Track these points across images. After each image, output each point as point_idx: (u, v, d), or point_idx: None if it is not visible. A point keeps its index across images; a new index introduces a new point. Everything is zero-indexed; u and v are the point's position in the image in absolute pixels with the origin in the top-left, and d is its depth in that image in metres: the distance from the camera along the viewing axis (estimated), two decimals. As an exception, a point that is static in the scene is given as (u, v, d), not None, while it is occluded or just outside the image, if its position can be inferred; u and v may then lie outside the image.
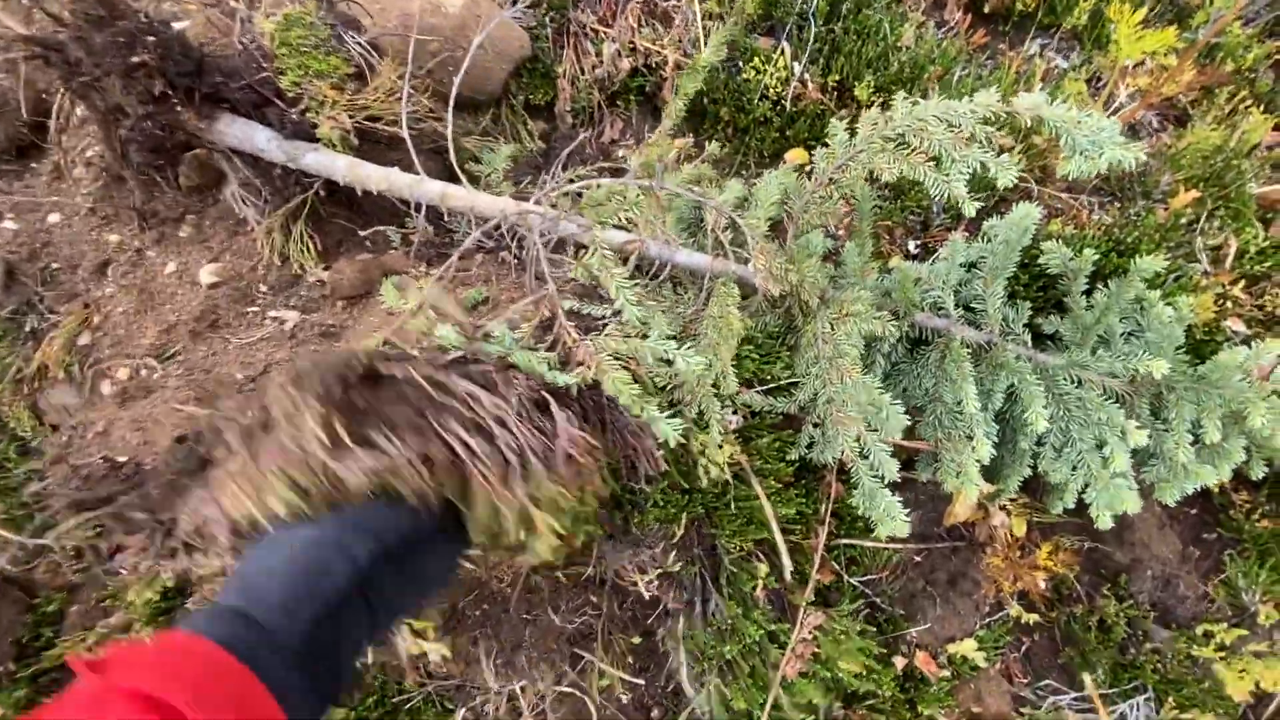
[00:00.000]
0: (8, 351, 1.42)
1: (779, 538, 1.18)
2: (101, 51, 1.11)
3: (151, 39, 1.13)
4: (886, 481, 1.16)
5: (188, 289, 1.50)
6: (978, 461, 1.21)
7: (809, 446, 1.35)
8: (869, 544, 1.47)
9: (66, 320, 1.45)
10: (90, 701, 0.48)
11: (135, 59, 1.12)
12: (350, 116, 1.39)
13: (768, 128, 1.93)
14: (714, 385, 1.14)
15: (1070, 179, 1.27)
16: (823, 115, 1.91)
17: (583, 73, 2.03)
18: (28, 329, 1.45)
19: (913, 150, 1.09)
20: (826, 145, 1.31)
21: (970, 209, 1.01)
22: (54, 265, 1.54)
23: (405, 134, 1.37)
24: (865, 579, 1.54)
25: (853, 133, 1.26)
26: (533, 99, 2.03)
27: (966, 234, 1.71)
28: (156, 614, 1.29)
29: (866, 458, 1.16)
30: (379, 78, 1.41)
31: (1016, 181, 1.04)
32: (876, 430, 1.14)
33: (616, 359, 0.95)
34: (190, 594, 1.25)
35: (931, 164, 1.07)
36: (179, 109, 1.24)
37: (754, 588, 1.28)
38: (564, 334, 1.01)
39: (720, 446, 1.11)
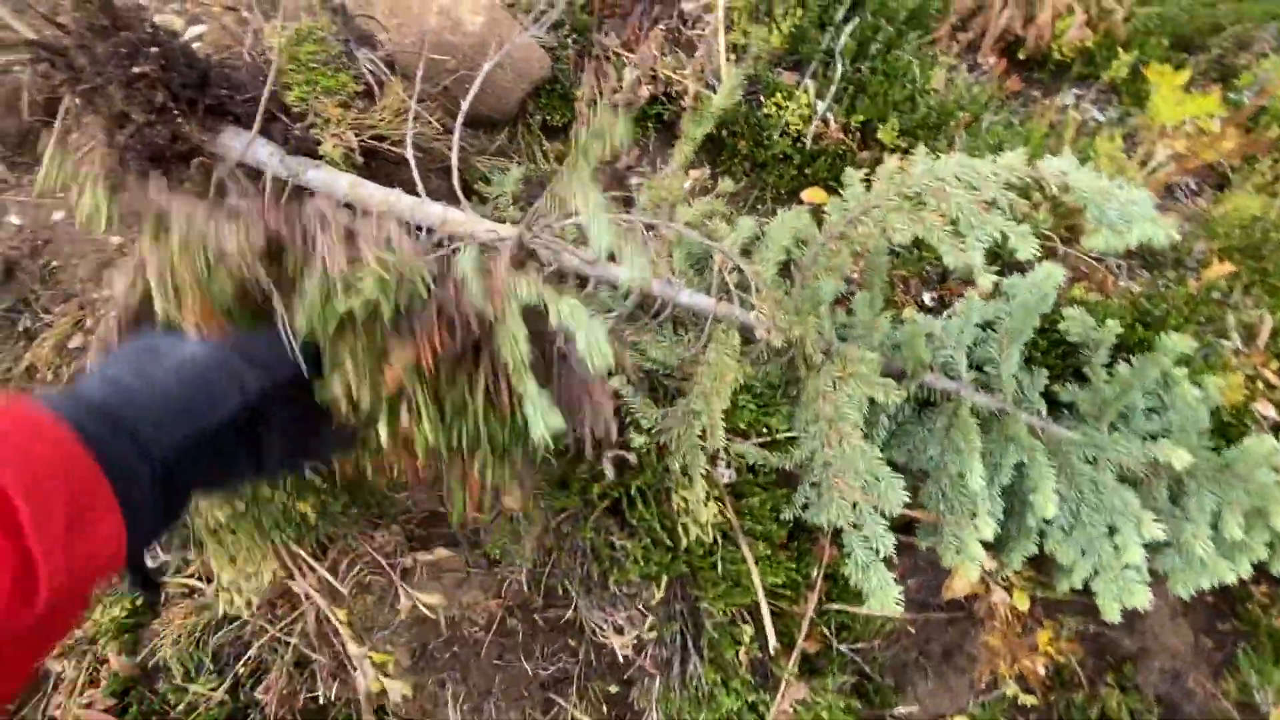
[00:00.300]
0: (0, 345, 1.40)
1: (765, 609, 1.12)
2: (103, 60, 1.09)
3: (154, 50, 1.11)
4: (881, 555, 1.10)
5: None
6: (980, 540, 1.15)
7: (804, 507, 1.30)
8: (861, 611, 1.40)
9: (60, 321, 1.44)
10: None
11: (137, 69, 1.10)
12: (356, 135, 1.37)
13: (786, 164, 1.88)
14: (700, 436, 1.09)
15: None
16: (844, 156, 1.85)
17: (602, 96, 2.00)
18: (21, 328, 1.44)
19: (931, 211, 1.04)
20: (839, 195, 1.26)
21: (987, 281, 0.96)
22: (54, 264, 1.52)
23: (410, 155, 1.34)
24: (856, 646, 1.47)
25: (869, 184, 1.21)
26: (550, 120, 2.00)
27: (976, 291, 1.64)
28: (122, 630, 1.26)
29: (860, 528, 1.10)
30: (388, 96, 1.38)
31: (1039, 250, 0.99)
32: (874, 501, 1.08)
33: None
34: (159, 614, 1.22)
35: (949, 228, 1.01)
36: (180, 120, 1.22)
37: (736, 654, 1.22)
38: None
39: (705, 504, 1.06)
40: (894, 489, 1.03)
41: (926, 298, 1.69)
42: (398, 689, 1.24)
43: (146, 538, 0.53)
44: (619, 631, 1.13)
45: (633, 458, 1.13)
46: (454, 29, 1.73)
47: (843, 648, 1.46)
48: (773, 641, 1.11)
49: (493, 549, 1.16)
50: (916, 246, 1.73)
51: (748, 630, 1.27)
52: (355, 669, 1.21)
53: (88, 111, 1.26)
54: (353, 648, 1.21)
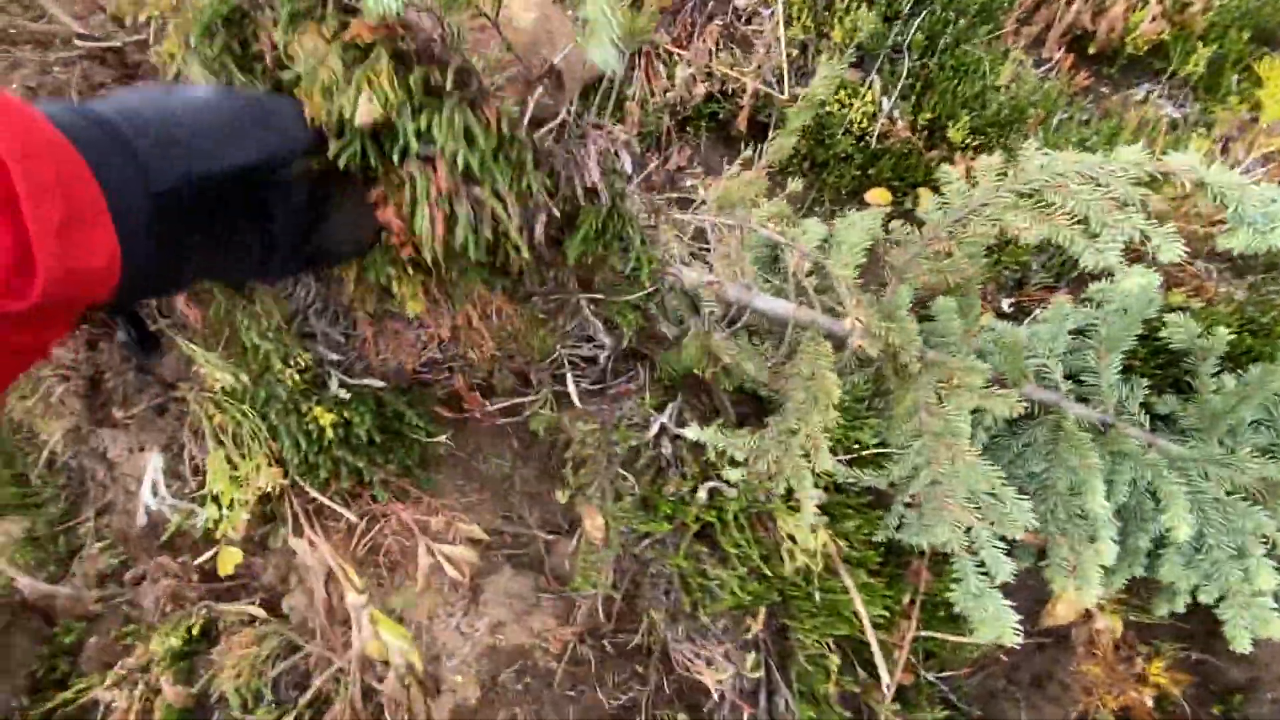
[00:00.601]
0: (40, 366, 1.34)
1: (875, 644, 1.04)
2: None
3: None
4: (998, 582, 1.01)
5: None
6: (1101, 566, 1.06)
7: (898, 528, 1.21)
8: (952, 638, 1.31)
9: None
10: None
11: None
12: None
13: (848, 164, 1.80)
14: (803, 457, 1.01)
15: (1215, 251, 1.12)
16: (909, 155, 1.78)
17: (652, 95, 1.93)
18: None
19: (1055, 210, 0.96)
20: (938, 192, 1.18)
21: (1133, 282, 0.88)
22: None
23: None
24: (942, 675, 1.38)
25: (972, 182, 1.13)
26: (599, 120, 1.93)
27: (1069, 296, 1.56)
28: (177, 658, 1.18)
29: (975, 553, 1.02)
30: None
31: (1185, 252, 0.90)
32: (992, 523, 0.99)
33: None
34: (216, 640, 1.15)
35: (1078, 228, 0.93)
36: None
37: (829, 687, 1.14)
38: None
39: (814, 530, 0.97)
40: (1021, 511, 0.95)
41: (1005, 304, 1.61)
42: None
43: (140, 278, 0.49)
44: (710, 665, 1.05)
45: (726, 488, 1.05)
46: (505, 26, 1.67)
47: (930, 676, 1.38)
48: (888, 680, 1.03)
49: (583, 584, 1.08)
50: (994, 248, 1.64)
51: (834, 660, 1.19)
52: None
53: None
54: (351, 597, 1.08)
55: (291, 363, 0.85)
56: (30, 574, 1.29)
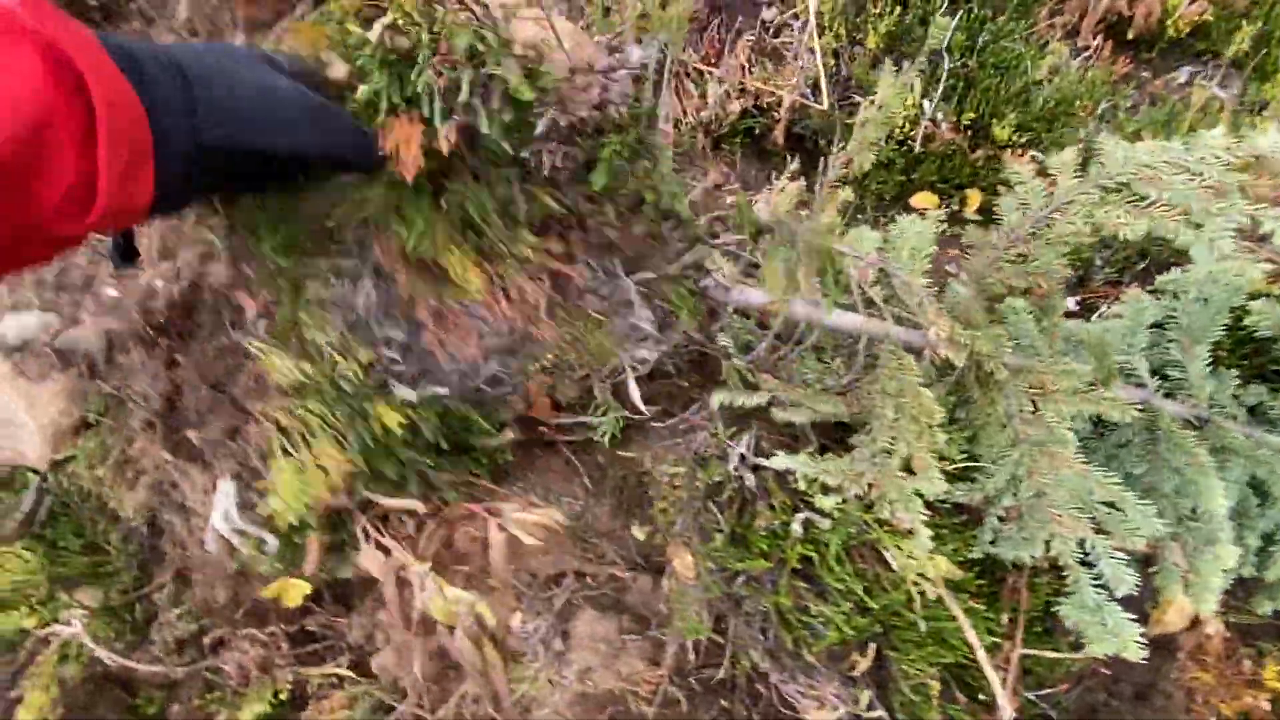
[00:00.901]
0: (110, 431, 1.32)
1: (992, 674, 0.99)
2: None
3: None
4: (1120, 595, 0.96)
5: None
6: (1223, 572, 1.01)
7: (992, 543, 1.16)
8: (1052, 654, 1.26)
9: (165, 392, 1.36)
10: None
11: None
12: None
13: (890, 170, 1.77)
14: (907, 478, 0.97)
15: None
16: (953, 156, 1.74)
17: (685, 115, 1.91)
18: (130, 407, 1.36)
19: (1152, 203, 0.92)
20: (988, 193, 1.15)
21: (1257, 272, 0.83)
22: (152, 331, 1.46)
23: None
24: (1041, 693, 1.32)
25: (1049, 180, 1.09)
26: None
27: (1137, 290, 1.51)
28: (260, 723, 1.15)
29: (1092, 565, 0.97)
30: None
31: None
32: (1110, 534, 0.95)
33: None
34: (304, 705, 1.12)
35: (1181, 219, 0.89)
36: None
37: (934, 715, 1.08)
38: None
39: (932, 556, 0.93)
40: (1146, 519, 0.90)
41: (1070, 302, 1.56)
42: None
43: (165, 212, 0.55)
44: (820, 704, 1.00)
45: (819, 518, 1.01)
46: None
47: (1030, 695, 1.32)
48: (1006, 709, 0.98)
49: (687, 631, 1.04)
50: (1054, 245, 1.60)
51: (935, 688, 1.14)
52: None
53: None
54: (415, 567, 1.00)
55: (354, 359, 0.85)
56: (108, 645, 1.27)
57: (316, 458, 0.90)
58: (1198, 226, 0.89)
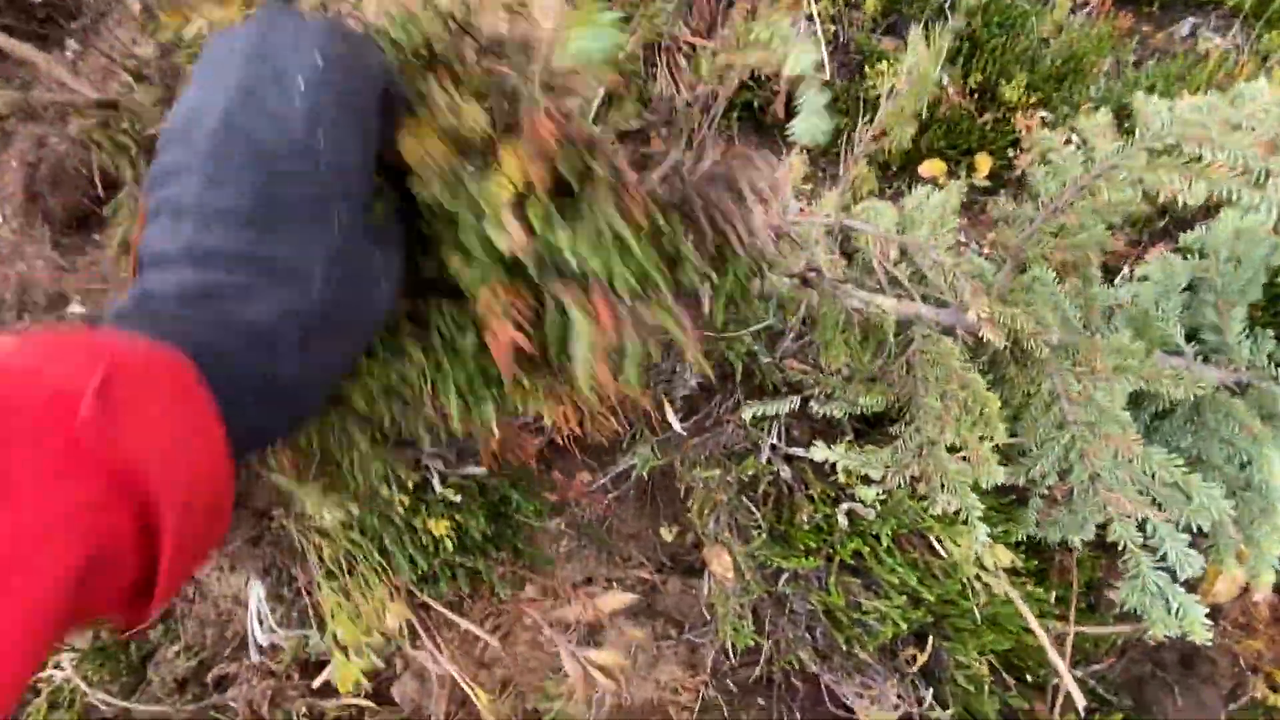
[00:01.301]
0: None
1: (1056, 657, 0.95)
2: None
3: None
4: (1184, 578, 0.92)
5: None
6: (1284, 543, 0.97)
7: (1036, 524, 1.12)
8: (1104, 630, 1.23)
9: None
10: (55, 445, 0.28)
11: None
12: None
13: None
14: (959, 466, 0.92)
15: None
16: (960, 121, 1.68)
17: (679, 92, 1.83)
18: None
19: (1209, 163, 0.87)
20: (996, 157, 1.09)
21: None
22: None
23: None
24: (1090, 669, 1.29)
25: (1082, 144, 1.04)
26: (623, 125, 1.83)
27: (1160, 249, 1.47)
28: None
29: (1155, 549, 0.93)
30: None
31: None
32: (1171, 515, 0.90)
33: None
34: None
35: (1241, 179, 0.84)
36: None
37: (989, 704, 1.05)
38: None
39: (991, 546, 0.88)
40: (1214, 500, 0.86)
41: (1085, 271, 1.51)
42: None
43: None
44: (876, 703, 0.96)
45: (861, 509, 0.96)
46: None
47: (1077, 672, 1.29)
48: (1074, 691, 0.94)
49: (740, 639, 0.99)
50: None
51: (986, 675, 1.10)
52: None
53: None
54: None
55: (397, 485, 0.76)
56: (103, 688, 1.19)
57: (366, 591, 0.82)
58: (1259, 184, 0.83)
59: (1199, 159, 0.87)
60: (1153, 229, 1.53)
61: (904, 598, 0.94)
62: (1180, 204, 0.91)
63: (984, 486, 0.87)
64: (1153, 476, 0.90)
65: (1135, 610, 1.01)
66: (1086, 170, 0.99)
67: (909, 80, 0.97)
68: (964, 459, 0.89)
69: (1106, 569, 1.23)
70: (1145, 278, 1.33)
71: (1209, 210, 1.59)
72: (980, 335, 1.02)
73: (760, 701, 1.29)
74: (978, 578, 0.93)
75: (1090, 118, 1.01)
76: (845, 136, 1.76)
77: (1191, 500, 0.87)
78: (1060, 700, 1.08)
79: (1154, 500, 0.91)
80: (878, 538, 0.95)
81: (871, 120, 1.05)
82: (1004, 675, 1.16)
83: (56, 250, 1.45)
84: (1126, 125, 1.01)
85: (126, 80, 0.85)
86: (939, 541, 0.94)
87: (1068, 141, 1.08)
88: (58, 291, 1.38)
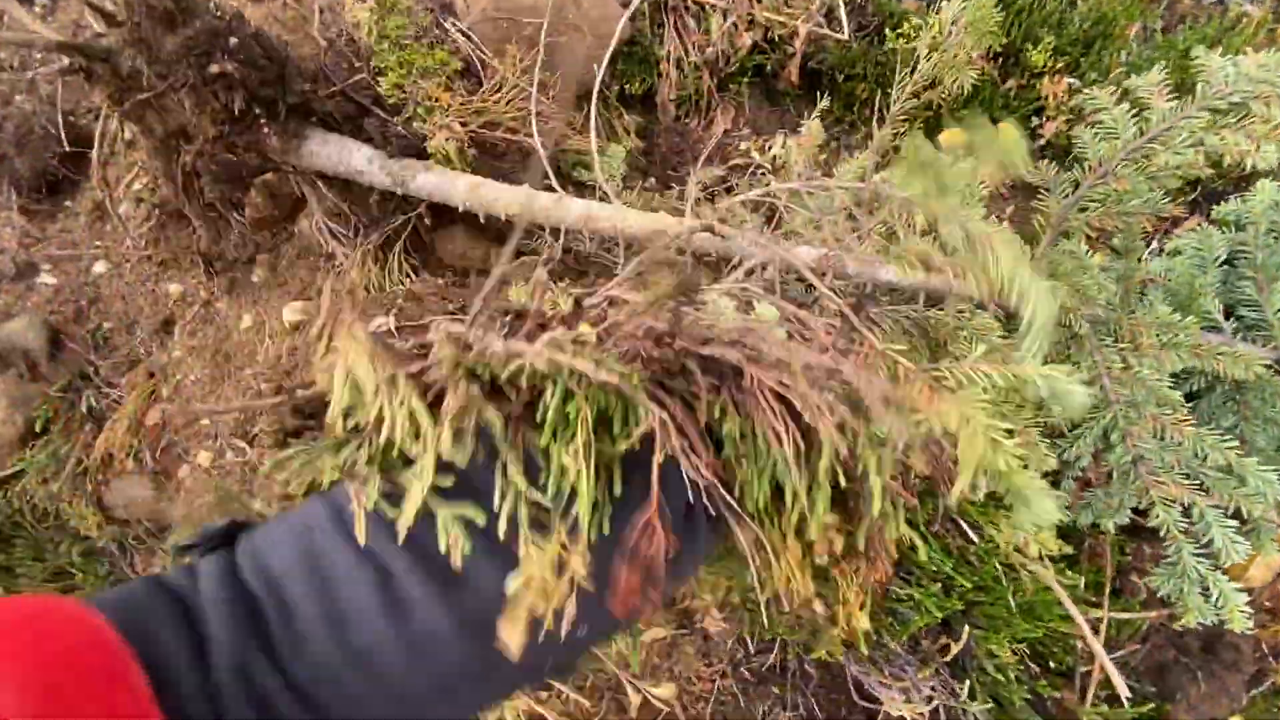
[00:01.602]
0: (63, 439, 1.15)
1: (1099, 649, 0.90)
2: (170, 60, 0.84)
3: (234, 41, 0.85)
4: (1229, 565, 0.88)
5: (270, 344, 1.23)
6: (1331, 529, 0.93)
7: (1068, 508, 1.07)
8: (1130, 615, 1.19)
9: (129, 394, 1.19)
10: None
11: (214, 68, 0.84)
12: (463, 124, 1.11)
13: (916, 105, 1.63)
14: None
15: None
16: (981, 88, 1.61)
17: (688, 54, 1.74)
18: (84, 408, 1.19)
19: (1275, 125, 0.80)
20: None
21: None
22: (106, 325, 1.27)
23: (537, 142, 1.10)
24: (1114, 655, 1.26)
25: (1136, 107, 0.97)
26: (629, 88, 1.74)
27: (1195, 221, 1.42)
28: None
29: (1199, 536, 0.88)
30: (495, 73, 1.13)
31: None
32: (1220, 500, 0.86)
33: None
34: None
35: (1314, 143, 0.78)
36: (263, 127, 0.96)
37: (1020, 696, 1.01)
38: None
39: (1038, 531, 0.83)
40: (1270, 484, 0.81)
41: (1116, 241, 1.46)
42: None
43: None
44: (906, 695, 0.91)
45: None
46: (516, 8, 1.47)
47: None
48: (1116, 679, 0.89)
49: (771, 630, 0.93)
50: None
51: (1014, 663, 1.06)
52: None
53: (139, 132, 1.00)
54: None
55: None
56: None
57: None
58: (1333, 148, 0.77)
59: (1268, 120, 0.81)
60: (1185, 198, 1.47)
61: (938, 585, 0.89)
62: (1227, 168, 0.86)
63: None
64: (1203, 459, 0.85)
65: (1169, 597, 0.97)
66: (1141, 133, 0.92)
67: (956, 27, 0.90)
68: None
69: (1135, 553, 1.19)
70: (1178, 251, 1.27)
71: (1239, 182, 1.54)
72: (1014, 310, 0.97)
73: (775, 690, 1.25)
74: (1015, 565, 0.88)
75: (1144, 75, 0.95)
76: (862, 101, 1.68)
77: (1245, 484, 0.82)
78: (1092, 688, 1.05)
79: (1201, 484, 0.86)
80: (912, 523, 0.89)
81: (913, 72, 0.97)
82: (1028, 664, 1.12)
83: (24, 216, 1.35)
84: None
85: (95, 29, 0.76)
86: (974, 528, 0.89)
87: (1118, 102, 1.01)
88: (27, 260, 1.29)
